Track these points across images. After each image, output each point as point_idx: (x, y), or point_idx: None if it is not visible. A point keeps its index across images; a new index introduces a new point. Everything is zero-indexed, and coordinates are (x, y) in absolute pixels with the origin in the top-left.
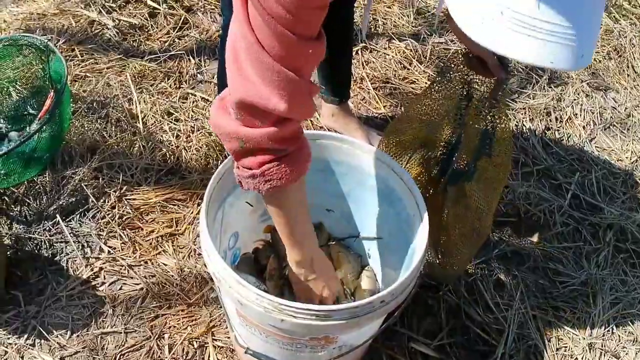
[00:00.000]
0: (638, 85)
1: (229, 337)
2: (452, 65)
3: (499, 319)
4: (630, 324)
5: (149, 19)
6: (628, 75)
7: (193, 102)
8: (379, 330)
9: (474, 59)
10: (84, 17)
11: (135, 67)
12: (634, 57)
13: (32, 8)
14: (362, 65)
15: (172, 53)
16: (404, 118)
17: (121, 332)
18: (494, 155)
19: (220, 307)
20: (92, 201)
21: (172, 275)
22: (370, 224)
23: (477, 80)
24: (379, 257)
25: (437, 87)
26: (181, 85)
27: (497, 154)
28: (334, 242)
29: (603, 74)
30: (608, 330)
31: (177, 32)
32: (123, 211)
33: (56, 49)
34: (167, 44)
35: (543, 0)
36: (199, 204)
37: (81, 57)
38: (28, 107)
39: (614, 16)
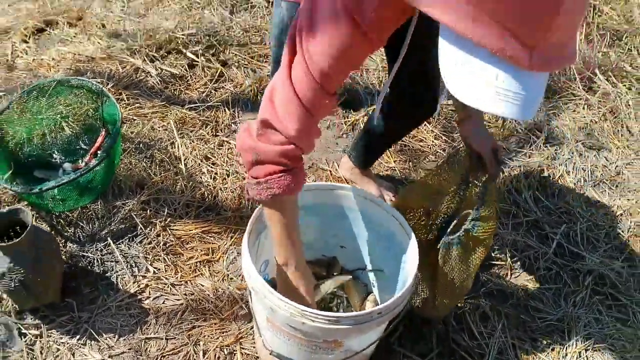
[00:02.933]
0: (631, 144)
1: (254, 347)
2: (457, 158)
3: (482, 345)
4: (600, 356)
5: (188, 70)
6: (622, 135)
7: (228, 149)
8: (378, 338)
9: (474, 157)
10: (129, 63)
11: (176, 114)
12: (629, 118)
13: (78, 49)
14: None
15: (210, 104)
16: (414, 190)
17: (162, 338)
18: (476, 233)
19: (247, 322)
20: (140, 228)
21: (208, 294)
22: (375, 259)
23: (474, 172)
24: (380, 285)
25: (444, 171)
26: (217, 134)
27: (479, 233)
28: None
29: (598, 134)
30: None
31: (213, 83)
32: (167, 239)
33: (110, 95)
34: (204, 94)
35: (504, 75)
36: (231, 237)
37: (127, 100)
38: (80, 142)
39: (612, 80)
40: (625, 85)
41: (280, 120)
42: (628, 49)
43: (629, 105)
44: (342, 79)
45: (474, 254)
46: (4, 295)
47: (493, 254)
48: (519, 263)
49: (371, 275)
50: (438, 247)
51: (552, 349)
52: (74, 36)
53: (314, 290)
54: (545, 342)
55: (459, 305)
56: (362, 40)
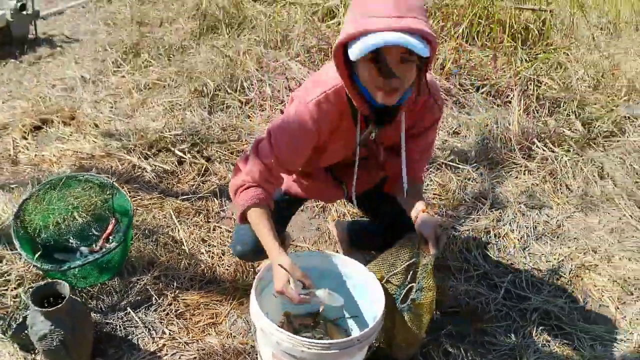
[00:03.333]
0: (570, 200)
1: None
2: (408, 241)
3: None
4: None
5: (177, 165)
6: (562, 193)
7: (220, 233)
8: None
9: (422, 239)
10: (127, 161)
11: (172, 205)
12: (568, 177)
13: (76, 147)
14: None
15: (200, 195)
16: (374, 264)
17: None
18: (421, 301)
19: None
20: (155, 299)
21: (217, 350)
22: (352, 308)
23: (421, 252)
24: (358, 329)
25: (397, 250)
26: (209, 220)
27: (423, 300)
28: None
29: (539, 195)
30: None
31: (201, 177)
32: (177, 307)
33: (120, 188)
34: (194, 187)
35: None
36: (231, 303)
37: (129, 193)
38: (92, 229)
39: (550, 146)
40: (563, 148)
41: (247, 172)
42: (567, 114)
43: (567, 165)
44: (296, 162)
45: (422, 316)
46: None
47: (450, 302)
48: (472, 308)
49: (350, 322)
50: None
51: None
52: (70, 134)
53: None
54: None
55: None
56: (308, 131)
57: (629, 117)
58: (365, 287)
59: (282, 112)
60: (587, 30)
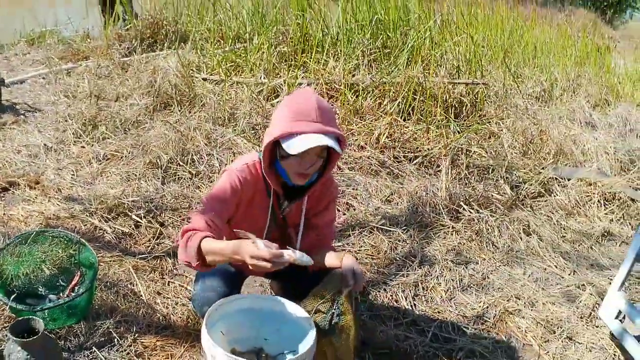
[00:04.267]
0: (496, 256)
1: None
2: (334, 276)
3: None
4: None
5: (134, 229)
6: (488, 249)
7: (173, 287)
8: None
9: (341, 275)
10: (89, 222)
11: (130, 262)
12: (493, 235)
13: (42, 208)
14: None
15: (155, 254)
16: (309, 297)
17: None
18: (342, 322)
19: None
20: (117, 340)
21: None
22: (292, 344)
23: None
24: None
25: (324, 284)
26: (164, 277)
27: (344, 322)
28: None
29: (466, 252)
30: None
31: (155, 240)
32: (137, 348)
33: (87, 244)
34: (150, 247)
35: None
36: (184, 346)
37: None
38: (60, 279)
39: (476, 208)
40: (490, 210)
41: (189, 226)
42: (496, 179)
43: (491, 225)
44: (224, 214)
45: (348, 339)
46: None
47: (379, 343)
48: (401, 350)
49: (289, 357)
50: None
51: None
52: (36, 197)
53: None
54: None
55: None
56: (233, 188)
57: (556, 179)
58: (302, 325)
59: None
60: (520, 99)
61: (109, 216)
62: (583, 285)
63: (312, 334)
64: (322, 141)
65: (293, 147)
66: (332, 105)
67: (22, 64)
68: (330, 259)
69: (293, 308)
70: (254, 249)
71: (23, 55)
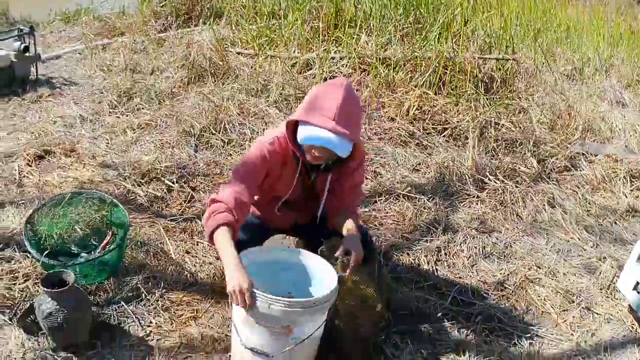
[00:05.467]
0: (519, 226)
1: None
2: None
3: None
4: None
5: (167, 193)
6: (512, 219)
7: (202, 247)
8: (316, 330)
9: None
10: (122, 186)
11: (161, 224)
12: (518, 206)
13: (77, 174)
14: None
15: (186, 217)
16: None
17: None
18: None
19: (224, 354)
20: (144, 295)
21: (196, 337)
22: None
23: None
24: None
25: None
26: (193, 237)
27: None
28: None
29: (491, 221)
30: None
31: (187, 203)
32: (164, 303)
33: (119, 204)
34: (181, 211)
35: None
36: (210, 302)
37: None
38: (92, 239)
39: (502, 179)
40: (515, 181)
41: (218, 197)
42: (523, 152)
43: (516, 196)
44: (254, 182)
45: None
46: (46, 334)
47: (400, 304)
48: (421, 311)
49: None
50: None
51: None
52: (71, 164)
53: None
54: (445, 359)
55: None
56: (262, 159)
57: (583, 154)
58: (322, 276)
59: None
60: (550, 76)
61: (142, 181)
62: (604, 257)
63: (334, 282)
64: (324, 139)
65: (301, 133)
66: (361, 82)
67: (58, 41)
68: (343, 229)
69: (317, 261)
70: (238, 286)
71: (58, 32)
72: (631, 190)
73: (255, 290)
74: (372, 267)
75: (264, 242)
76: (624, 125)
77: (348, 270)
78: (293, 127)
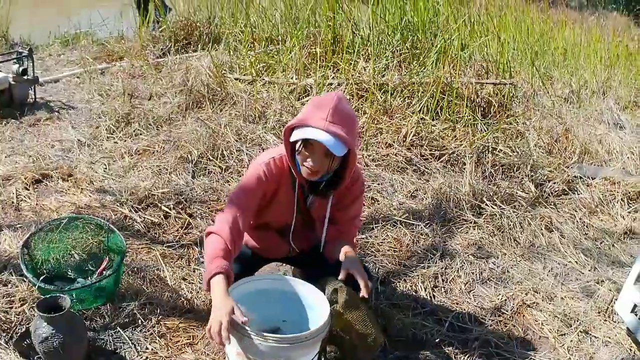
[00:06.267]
0: (516, 251)
1: None
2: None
3: None
4: None
5: (164, 219)
6: (510, 244)
7: (199, 274)
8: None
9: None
10: (119, 212)
11: (158, 250)
12: (515, 231)
13: (74, 199)
14: None
15: (182, 243)
16: None
17: None
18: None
19: None
20: (141, 321)
21: None
22: (309, 325)
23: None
24: None
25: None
26: (190, 264)
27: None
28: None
29: (488, 247)
30: None
31: (184, 230)
32: (160, 329)
33: (116, 230)
34: (177, 237)
35: None
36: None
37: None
38: (89, 264)
39: (499, 205)
40: (512, 206)
41: (214, 228)
42: (520, 177)
43: (514, 221)
44: (250, 206)
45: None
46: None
47: (396, 331)
48: (418, 337)
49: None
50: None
51: None
52: (68, 189)
53: None
54: None
55: None
56: (258, 181)
57: (580, 177)
58: (314, 305)
59: None
60: (548, 100)
61: (139, 207)
62: (602, 280)
63: (327, 312)
64: (318, 136)
65: (295, 135)
66: (358, 109)
67: (57, 64)
68: (340, 254)
69: (310, 289)
70: (219, 320)
71: (57, 56)
72: (629, 213)
73: (247, 328)
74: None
75: (259, 269)
76: (621, 148)
77: (365, 290)
78: (288, 142)
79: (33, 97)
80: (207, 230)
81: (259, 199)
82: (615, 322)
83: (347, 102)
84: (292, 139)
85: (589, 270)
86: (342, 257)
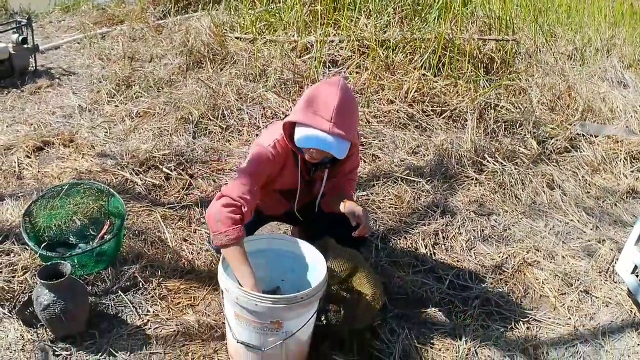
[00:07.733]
0: (518, 208)
1: (227, 355)
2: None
3: (390, 347)
4: (487, 351)
5: (165, 181)
6: (511, 202)
7: (200, 235)
8: (306, 323)
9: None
10: (120, 175)
11: (159, 212)
12: (517, 188)
13: (75, 164)
14: None
15: (183, 204)
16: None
17: (161, 353)
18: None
19: (220, 341)
20: (142, 284)
21: (193, 324)
22: (308, 284)
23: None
24: None
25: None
26: (191, 224)
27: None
28: None
29: (490, 204)
30: (471, 353)
31: (185, 190)
32: (161, 291)
33: (116, 194)
34: (179, 198)
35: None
36: (207, 289)
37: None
38: (90, 229)
39: (500, 161)
40: (514, 163)
41: (228, 192)
42: (522, 134)
43: (515, 178)
44: (257, 182)
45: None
46: (45, 325)
47: (396, 289)
48: (418, 295)
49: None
50: None
51: (447, 349)
52: (70, 155)
53: None
54: (441, 344)
55: (373, 324)
56: (266, 163)
57: (583, 135)
58: (313, 264)
59: (257, 135)
60: (551, 57)
61: (140, 169)
62: (604, 240)
63: (324, 272)
64: (321, 141)
65: (298, 135)
66: (360, 65)
67: (57, 31)
68: (340, 206)
69: (309, 249)
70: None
71: (57, 22)
72: (631, 172)
73: (242, 289)
74: (369, 251)
75: (258, 229)
76: (624, 106)
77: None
78: (290, 127)
79: (34, 65)
80: (219, 193)
81: (264, 178)
82: (616, 282)
83: (349, 92)
84: (295, 136)
85: (591, 229)
86: (342, 208)
